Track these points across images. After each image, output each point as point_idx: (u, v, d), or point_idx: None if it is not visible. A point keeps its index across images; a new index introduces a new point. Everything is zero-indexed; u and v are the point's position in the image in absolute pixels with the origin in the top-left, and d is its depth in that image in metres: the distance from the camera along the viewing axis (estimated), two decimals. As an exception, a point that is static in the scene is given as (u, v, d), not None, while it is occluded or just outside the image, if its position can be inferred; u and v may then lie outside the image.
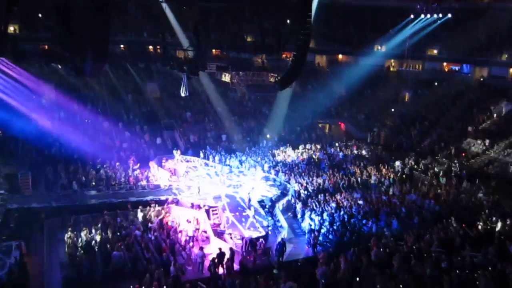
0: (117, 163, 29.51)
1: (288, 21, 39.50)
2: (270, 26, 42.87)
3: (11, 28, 31.18)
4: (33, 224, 22.00)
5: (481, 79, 44.31)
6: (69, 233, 20.76)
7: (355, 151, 36.47)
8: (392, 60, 50.38)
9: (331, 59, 53.61)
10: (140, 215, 23.18)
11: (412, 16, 42.59)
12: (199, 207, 24.11)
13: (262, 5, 43.90)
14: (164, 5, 37.29)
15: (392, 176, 30.31)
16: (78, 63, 25.19)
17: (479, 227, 21.23)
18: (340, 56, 53.71)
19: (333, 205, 24.85)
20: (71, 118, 34.38)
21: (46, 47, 32.31)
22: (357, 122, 44.02)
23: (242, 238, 21.31)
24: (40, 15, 34.45)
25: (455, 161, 32.48)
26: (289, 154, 34.88)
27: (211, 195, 26.35)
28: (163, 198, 25.51)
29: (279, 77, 29.80)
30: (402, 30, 43.76)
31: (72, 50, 24.37)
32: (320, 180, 28.95)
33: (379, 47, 48.79)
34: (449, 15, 40.56)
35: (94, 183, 26.97)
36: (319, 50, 50.42)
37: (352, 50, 49.13)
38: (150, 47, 47.58)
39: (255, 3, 43.52)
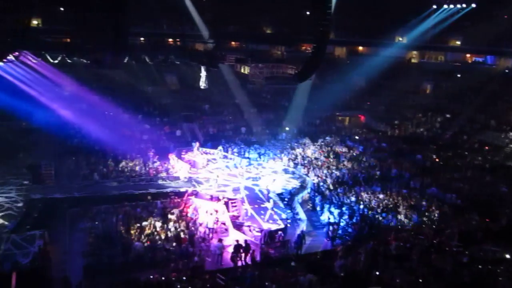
0: (137, 155, 29.82)
1: (307, 12, 39.08)
2: (289, 18, 42.58)
3: (34, 22, 31.59)
4: (55, 214, 22.44)
5: (506, 71, 43.26)
6: (90, 223, 21.18)
7: (375, 144, 36.07)
8: (414, 51, 49.55)
9: (351, 50, 53.01)
10: (160, 206, 23.43)
11: (434, 6, 41.72)
12: (218, 199, 24.25)
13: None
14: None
15: (412, 169, 29.91)
16: (98, 55, 25.60)
17: (502, 221, 20.85)
18: (360, 47, 53.07)
19: (353, 198, 24.69)
20: (92, 109, 34.78)
21: (68, 40, 32.75)
22: (377, 114, 43.48)
23: (261, 231, 21.37)
24: (61, 8, 34.93)
25: (478, 154, 31.91)
26: (308, 147, 34.69)
27: (230, 187, 26.47)
28: (182, 190, 25.76)
29: (298, 70, 29.63)
30: (424, 20, 42.95)
31: (93, 43, 24.74)
32: (339, 173, 28.79)
33: (400, 38, 48.01)
34: (473, 5, 39.61)
35: (114, 175, 27.38)
36: (339, 42, 49.83)
37: (372, 41, 48.47)
38: (170, 39, 47.71)
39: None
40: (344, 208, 23.61)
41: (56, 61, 28.83)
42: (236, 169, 29.75)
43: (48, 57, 29.69)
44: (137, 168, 28.42)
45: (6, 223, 20.94)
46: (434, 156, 32.56)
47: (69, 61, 28.82)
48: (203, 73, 30.70)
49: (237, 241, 19.63)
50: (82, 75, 36.19)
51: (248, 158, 31.86)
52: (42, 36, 31.99)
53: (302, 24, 39.98)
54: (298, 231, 21.32)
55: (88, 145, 30.65)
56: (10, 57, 26.43)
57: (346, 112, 44.81)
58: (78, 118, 32.32)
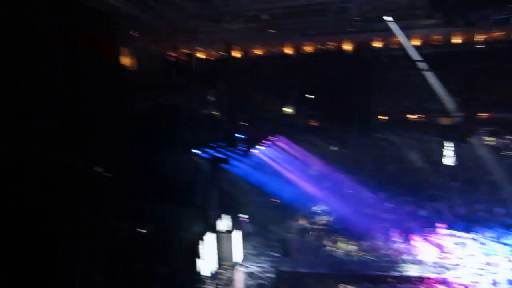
0: (379, 234, 29.32)
1: None
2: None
3: (288, 110, 35.90)
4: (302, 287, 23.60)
5: None
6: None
7: None
8: None
9: None
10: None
11: None
12: (472, 290, 21.54)
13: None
14: (426, 72, 36.69)
15: None
16: (343, 135, 27.21)
17: None
18: None
19: None
20: (335, 187, 36.33)
21: (316, 123, 35.88)
22: None
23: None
24: (308, 96, 38.85)
25: None
26: None
27: (486, 277, 23.21)
28: (428, 275, 23.98)
29: None
30: None
31: (338, 124, 26.57)
32: None
33: None
34: None
35: (358, 254, 27.49)
36: None
37: None
38: (412, 116, 46.90)
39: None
40: None
41: (304, 142, 31.63)
42: (494, 256, 26.06)
43: (298, 139, 32.92)
44: (380, 248, 27.84)
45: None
46: None
47: (315, 142, 31.33)
48: (449, 149, 28.88)
49: None
50: (328, 155, 38.54)
51: (509, 244, 27.59)
52: (294, 122, 35.85)
53: None
54: None
55: (332, 222, 31.74)
56: (268, 141, 30.27)
57: None
58: (323, 195, 34.22)
